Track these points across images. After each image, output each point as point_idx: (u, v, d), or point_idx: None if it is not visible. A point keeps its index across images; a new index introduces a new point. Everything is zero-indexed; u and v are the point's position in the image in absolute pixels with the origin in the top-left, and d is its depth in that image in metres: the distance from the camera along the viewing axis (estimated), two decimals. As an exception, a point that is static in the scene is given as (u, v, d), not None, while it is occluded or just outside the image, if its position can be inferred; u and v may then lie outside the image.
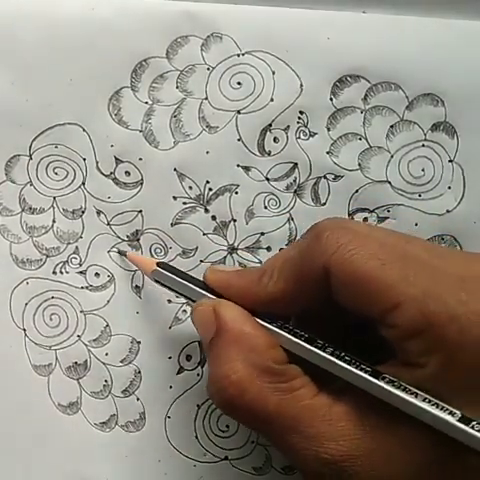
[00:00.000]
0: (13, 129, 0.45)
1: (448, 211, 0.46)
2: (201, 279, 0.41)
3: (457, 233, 0.46)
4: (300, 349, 0.36)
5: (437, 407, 0.33)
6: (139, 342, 0.45)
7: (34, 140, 0.45)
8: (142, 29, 0.45)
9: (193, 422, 0.45)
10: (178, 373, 0.45)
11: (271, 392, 0.35)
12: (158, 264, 0.42)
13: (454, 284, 0.34)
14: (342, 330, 0.38)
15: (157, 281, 0.42)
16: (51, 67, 0.44)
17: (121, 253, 0.45)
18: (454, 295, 0.34)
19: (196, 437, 0.45)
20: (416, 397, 0.33)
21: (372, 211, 0.45)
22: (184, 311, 0.45)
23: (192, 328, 0.44)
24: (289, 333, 0.37)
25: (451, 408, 0.33)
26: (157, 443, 0.45)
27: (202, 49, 0.45)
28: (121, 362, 0.45)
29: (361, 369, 0.35)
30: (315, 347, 0.36)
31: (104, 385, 0.45)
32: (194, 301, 0.40)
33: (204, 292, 0.40)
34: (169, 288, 0.41)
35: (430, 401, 0.33)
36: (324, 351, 0.36)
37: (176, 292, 0.41)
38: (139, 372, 0.45)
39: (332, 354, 0.35)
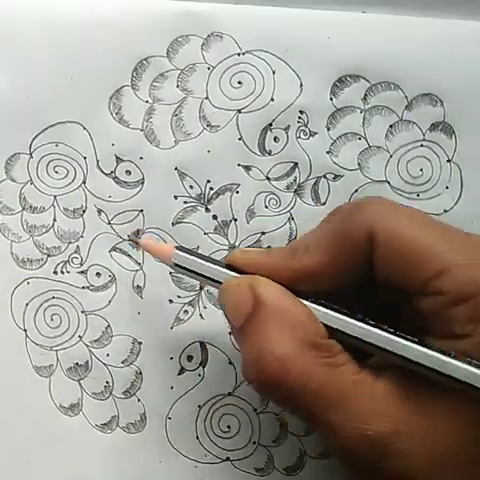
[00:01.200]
0: (14, 127, 0.44)
1: (445, 211, 0.46)
2: (224, 261, 0.39)
3: (455, 233, 0.46)
4: (340, 322, 0.35)
5: None
6: (140, 343, 0.45)
7: (35, 138, 0.44)
8: (143, 28, 0.45)
9: (194, 423, 0.45)
10: (179, 374, 0.45)
11: (317, 368, 0.34)
12: (177, 248, 0.40)
13: None
14: (373, 313, 0.37)
15: (177, 266, 0.39)
16: (52, 65, 0.44)
17: (133, 241, 0.44)
18: None
19: (197, 438, 0.45)
20: (464, 362, 0.32)
21: (372, 211, 0.45)
22: (185, 311, 0.45)
23: (193, 328, 0.45)
24: (326, 307, 0.36)
25: None
26: (158, 444, 0.45)
27: (202, 48, 0.45)
28: (122, 363, 0.45)
29: (406, 339, 0.34)
30: (356, 320, 0.35)
31: (105, 386, 0.45)
32: (220, 283, 0.38)
33: (231, 272, 0.38)
34: (191, 272, 0.39)
35: (476, 365, 0.32)
36: (365, 323, 0.35)
37: (199, 276, 0.38)
38: (140, 373, 0.45)
39: (374, 326, 0.35)
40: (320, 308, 0.36)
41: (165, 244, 0.43)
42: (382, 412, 0.33)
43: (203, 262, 0.39)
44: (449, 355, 0.33)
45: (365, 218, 0.35)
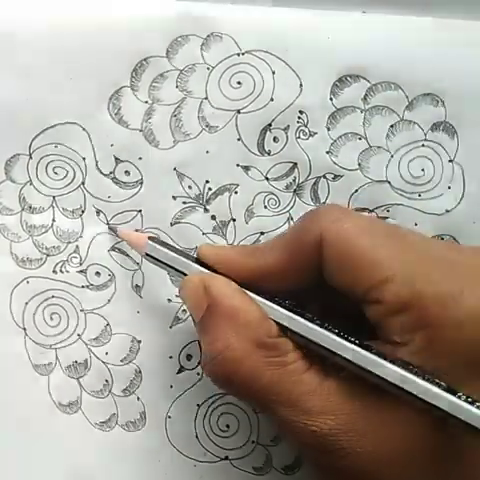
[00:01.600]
0: (13, 128, 0.44)
1: (447, 211, 0.46)
2: (195, 256, 0.41)
3: (456, 233, 0.46)
4: (290, 321, 0.36)
5: (423, 378, 0.33)
6: (139, 341, 0.45)
7: (34, 139, 0.45)
8: (142, 28, 0.45)
9: (193, 422, 0.45)
10: (178, 372, 0.45)
11: (265, 366, 0.35)
12: (150, 238, 0.41)
13: (442, 265, 0.35)
14: (326, 314, 0.38)
15: (149, 256, 0.41)
16: (51, 66, 0.44)
17: (112, 229, 0.45)
18: (441, 274, 0.34)
19: (196, 437, 0.45)
20: (403, 368, 0.33)
21: (372, 211, 0.45)
22: (184, 311, 0.45)
23: (192, 327, 0.45)
24: (279, 305, 0.37)
25: (437, 380, 0.33)
26: (157, 443, 0.45)
27: (202, 49, 0.45)
28: (121, 361, 0.45)
29: (348, 340, 0.35)
30: (304, 319, 0.36)
31: (104, 384, 0.45)
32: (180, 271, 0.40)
33: (195, 265, 0.39)
34: (161, 263, 0.40)
35: (416, 372, 0.33)
36: (312, 323, 0.36)
37: (168, 267, 0.40)
38: (139, 371, 0.45)
39: (320, 325, 0.36)
40: (273, 305, 0.37)
41: (139, 234, 0.43)
42: (327, 410, 0.34)
43: (172, 254, 0.40)
44: (390, 360, 0.34)
45: (316, 223, 0.37)
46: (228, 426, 0.45)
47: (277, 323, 0.37)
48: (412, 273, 0.34)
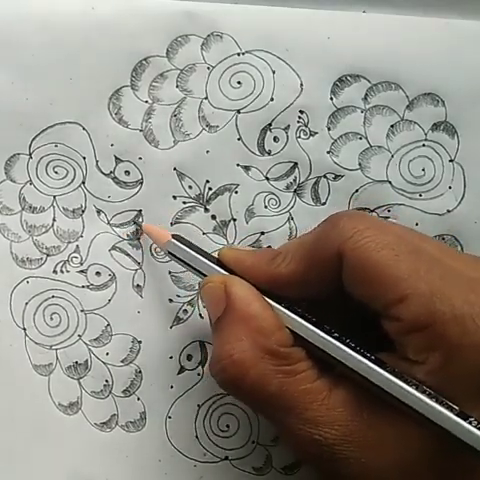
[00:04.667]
0: (13, 128, 0.44)
1: (449, 211, 0.46)
2: (216, 256, 0.41)
3: (458, 233, 0.46)
4: (305, 331, 0.36)
5: (436, 401, 0.33)
6: (140, 342, 0.45)
7: (34, 139, 0.45)
8: (142, 28, 0.44)
9: (194, 422, 0.45)
10: (179, 373, 0.45)
11: (274, 374, 0.35)
12: (173, 236, 0.42)
13: (463, 285, 0.34)
14: (347, 322, 0.38)
15: (170, 253, 0.41)
16: (51, 66, 0.44)
17: (136, 223, 0.45)
18: (462, 295, 0.33)
19: (196, 437, 0.45)
20: (416, 388, 0.33)
21: (372, 211, 0.45)
22: (185, 311, 0.45)
23: (193, 328, 0.45)
24: (296, 314, 0.37)
25: (450, 403, 0.33)
26: (157, 443, 0.45)
27: (202, 48, 0.45)
28: (122, 362, 0.45)
29: (363, 356, 0.35)
30: (320, 330, 0.36)
31: (105, 385, 0.45)
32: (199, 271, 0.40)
33: (216, 267, 0.40)
34: (182, 262, 0.41)
35: (430, 394, 0.33)
36: (329, 335, 0.36)
37: (188, 266, 0.41)
38: (140, 372, 0.45)
39: (336, 338, 0.36)
40: (289, 313, 0.37)
41: (163, 230, 0.43)
42: (333, 420, 0.34)
43: (194, 254, 0.40)
44: (400, 377, 0.34)
45: (337, 234, 0.36)
46: (228, 426, 0.45)
47: (292, 331, 0.37)
48: (432, 292, 0.33)
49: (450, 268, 0.35)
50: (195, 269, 0.40)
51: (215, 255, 0.41)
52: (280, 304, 0.37)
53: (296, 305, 0.38)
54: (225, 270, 0.40)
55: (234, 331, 0.36)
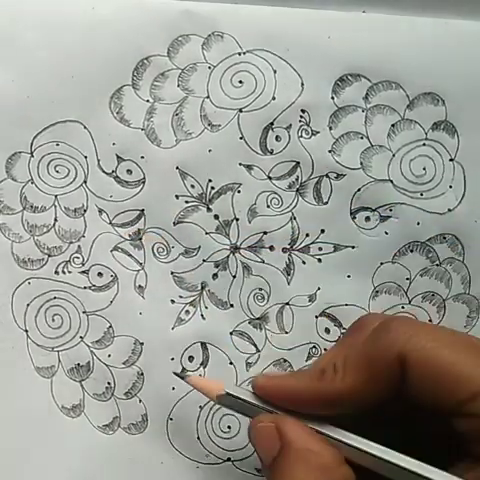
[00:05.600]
0: (14, 126, 0.44)
1: (449, 210, 0.46)
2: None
3: (458, 232, 0.46)
4: (370, 461, 0.35)
5: None
6: (142, 343, 0.45)
7: (35, 137, 0.44)
8: (143, 27, 0.44)
9: (195, 424, 0.45)
10: (180, 374, 0.45)
11: None
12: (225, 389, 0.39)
13: None
14: (405, 431, 0.37)
15: (220, 403, 0.39)
16: (52, 65, 0.44)
17: (180, 376, 0.41)
18: None
19: (198, 439, 0.45)
20: None
21: (374, 210, 0.45)
22: (187, 312, 0.45)
23: (195, 329, 0.45)
24: (352, 440, 0.35)
25: None
26: (159, 445, 0.45)
27: (203, 48, 0.45)
28: (123, 364, 0.45)
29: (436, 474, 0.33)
30: (385, 453, 0.34)
31: (107, 387, 0.45)
32: (251, 416, 0.38)
33: (264, 405, 0.37)
34: (231, 408, 0.39)
35: None
36: (394, 457, 0.34)
37: (238, 412, 0.38)
38: (142, 374, 0.45)
39: (414, 465, 0.34)
40: (346, 442, 0.35)
41: (214, 383, 0.40)
42: None
43: (243, 403, 0.38)
44: None
45: (394, 339, 0.35)
46: (230, 427, 0.45)
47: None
48: None
49: None
50: (246, 414, 0.38)
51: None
52: (336, 436, 0.36)
53: (340, 423, 0.36)
54: (268, 404, 0.37)
55: (295, 471, 0.34)
